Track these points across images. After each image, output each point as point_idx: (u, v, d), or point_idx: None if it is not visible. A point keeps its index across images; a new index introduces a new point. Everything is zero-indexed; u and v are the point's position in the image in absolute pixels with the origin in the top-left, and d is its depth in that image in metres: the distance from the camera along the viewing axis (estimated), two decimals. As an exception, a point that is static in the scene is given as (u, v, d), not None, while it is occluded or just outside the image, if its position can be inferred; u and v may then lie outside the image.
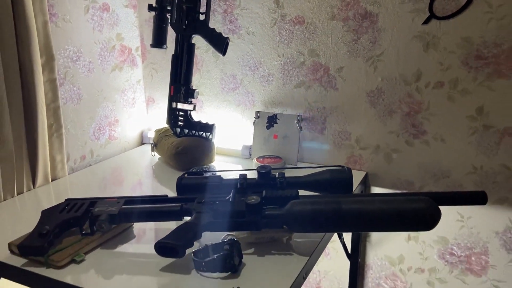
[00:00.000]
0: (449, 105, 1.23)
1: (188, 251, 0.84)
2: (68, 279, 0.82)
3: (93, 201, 0.96)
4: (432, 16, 1.19)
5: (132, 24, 1.56)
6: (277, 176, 0.97)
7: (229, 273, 0.82)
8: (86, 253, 0.90)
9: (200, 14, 1.37)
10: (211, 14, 1.44)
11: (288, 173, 0.99)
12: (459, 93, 1.21)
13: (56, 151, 1.28)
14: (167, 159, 1.41)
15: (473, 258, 1.29)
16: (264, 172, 0.97)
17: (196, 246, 0.87)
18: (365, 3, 1.26)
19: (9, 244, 0.90)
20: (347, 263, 1.45)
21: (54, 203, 1.17)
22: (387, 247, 1.41)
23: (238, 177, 0.98)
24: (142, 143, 1.68)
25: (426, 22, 1.21)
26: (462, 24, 1.17)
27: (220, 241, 0.88)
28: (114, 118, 1.53)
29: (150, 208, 0.94)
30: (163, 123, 1.64)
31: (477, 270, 1.29)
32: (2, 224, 1.05)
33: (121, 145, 1.58)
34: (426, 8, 1.19)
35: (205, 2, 1.35)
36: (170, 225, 1.01)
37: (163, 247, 0.83)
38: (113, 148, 1.55)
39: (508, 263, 1.25)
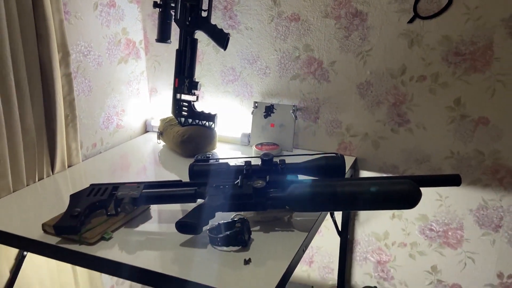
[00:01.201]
0: (430, 97, 1.36)
1: (203, 229, 0.97)
2: (100, 254, 0.94)
3: (116, 186, 1.08)
4: (416, 16, 1.32)
5: (136, 18, 1.65)
6: (278, 162, 1.10)
7: (240, 247, 0.95)
8: (112, 231, 1.02)
9: (203, 11, 1.47)
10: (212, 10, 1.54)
11: (288, 160, 1.12)
12: (440, 86, 1.35)
13: (71, 140, 1.38)
14: (173, 147, 1.53)
15: (449, 233, 1.44)
16: (267, 159, 1.09)
17: (210, 224, 1.00)
18: (355, 2, 1.37)
19: (43, 225, 1.02)
20: (337, 239, 1.59)
21: (71, 188, 1.29)
22: (373, 225, 1.55)
23: (244, 164, 1.10)
24: (146, 131, 1.79)
25: (410, 21, 1.33)
26: (443, 23, 1.29)
27: (231, 220, 1.00)
28: (121, 108, 1.63)
29: (167, 191, 1.06)
30: (165, 112, 1.75)
31: (453, 243, 1.45)
32: (29, 207, 1.16)
33: (127, 133, 1.69)
34: (411, 8, 1.31)
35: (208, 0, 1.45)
36: (183, 207, 1.14)
37: (183, 225, 0.96)
38: (120, 136, 1.65)
39: (481, 237, 1.41)
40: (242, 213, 1.06)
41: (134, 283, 1.82)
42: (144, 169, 1.45)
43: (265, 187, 1.01)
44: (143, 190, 1.06)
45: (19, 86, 1.17)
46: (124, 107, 1.65)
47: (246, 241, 0.96)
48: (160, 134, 1.59)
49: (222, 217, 1.01)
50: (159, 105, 1.78)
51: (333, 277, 1.67)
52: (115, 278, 1.71)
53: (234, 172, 1.09)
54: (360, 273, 1.63)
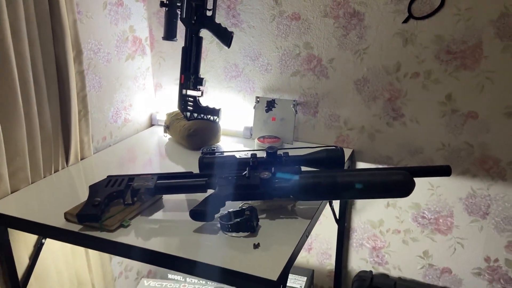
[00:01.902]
0: (423, 92, 1.45)
1: (214, 217, 1.06)
2: (120, 240, 1.02)
3: (131, 177, 1.15)
4: (410, 16, 1.40)
5: (142, 16, 1.72)
6: (282, 155, 1.18)
7: (249, 233, 1.04)
8: (130, 219, 1.10)
9: (207, 10, 1.54)
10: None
11: (290, 152, 1.20)
12: (432, 82, 1.43)
13: (84, 134, 1.45)
14: (179, 140, 1.60)
15: (440, 220, 1.54)
16: (272, 152, 1.17)
17: (220, 213, 1.08)
18: (353, 3, 1.45)
19: (65, 214, 1.09)
20: (335, 227, 1.68)
21: (84, 179, 1.37)
22: (369, 213, 1.65)
23: (250, 156, 1.18)
24: (152, 125, 1.86)
25: (405, 21, 1.41)
26: (435, 24, 1.37)
27: (239, 208, 1.09)
28: (128, 103, 1.70)
29: (180, 182, 1.14)
30: (170, 107, 1.82)
31: (444, 230, 1.55)
32: (48, 197, 1.24)
33: (134, 127, 1.76)
34: (406, 9, 1.39)
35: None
36: (192, 197, 1.21)
37: (197, 213, 1.04)
38: (128, 130, 1.72)
39: (469, 224, 1.51)
40: (249, 202, 1.14)
41: (141, 269, 1.91)
42: (152, 161, 1.52)
43: (271, 177, 1.10)
44: (157, 181, 1.13)
45: (37, 83, 1.24)
46: (131, 102, 1.72)
47: (254, 228, 1.04)
48: (167, 128, 1.67)
49: (231, 206, 1.10)
50: (164, 99, 1.85)
51: (331, 262, 1.76)
52: (123, 265, 1.80)
53: (241, 164, 1.17)
54: (356, 258, 1.73)
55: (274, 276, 0.89)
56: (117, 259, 1.76)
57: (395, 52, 1.45)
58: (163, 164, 1.51)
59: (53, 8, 1.24)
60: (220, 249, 0.99)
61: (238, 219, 1.04)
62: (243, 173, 1.13)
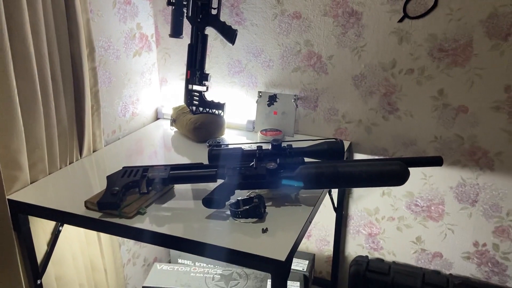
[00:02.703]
0: (417, 88, 1.54)
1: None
2: (138, 225, 1.11)
3: (146, 168, 1.23)
4: (405, 16, 1.48)
5: (148, 14, 1.78)
6: (286, 147, 1.27)
7: (257, 219, 1.13)
8: (146, 207, 1.18)
9: (212, 9, 1.61)
10: (220, 7, 1.68)
11: (293, 144, 1.28)
12: (425, 78, 1.52)
13: (96, 127, 1.52)
14: (185, 133, 1.68)
15: (432, 208, 1.64)
16: (276, 144, 1.26)
17: (229, 200, 1.17)
18: (352, 3, 1.53)
19: (85, 202, 1.17)
20: (333, 215, 1.78)
21: (97, 170, 1.45)
22: (366, 201, 1.74)
23: (256, 148, 1.27)
24: (157, 118, 1.94)
25: (400, 20, 1.49)
26: (429, 23, 1.46)
27: (247, 197, 1.17)
28: (135, 97, 1.78)
29: (191, 173, 1.22)
30: (174, 101, 1.89)
31: (435, 217, 1.65)
32: (65, 187, 1.31)
33: (141, 120, 1.83)
34: (401, 9, 1.48)
35: (217, -2, 1.59)
36: (202, 186, 1.30)
37: (209, 201, 1.13)
38: (135, 123, 1.80)
39: (459, 211, 1.61)
40: (256, 190, 1.23)
41: (147, 257, 2.00)
42: (160, 153, 1.60)
43: (277, 168, 1.18)
44: (170, 172, 1.22)
45: (54, 80, 1.31)
46: (138, 97, 1.79)
47: (262, 214, 1.13)
48: (173, 121, 1.74)
49: (239, 194, 1.18)
50: (169, 94, 1.93)
51: (329, 248, 1.86)
52: (131, 252, 1.88)
53: (248, 156, 1.26)
54: (353, 244, 1.83)
55: (282, 257, 0.98)
56: (125, 246, 1.85)
57: (390, 50, 1.53)
58: (171, 156, 1.59)
59: (69, 9, 1.31)
60: (231, 233, 1.07)
61: (247, 206, 1.12)
62: (251, 164, 1.22)
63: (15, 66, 1.17)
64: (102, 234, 1.57)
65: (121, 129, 1.72)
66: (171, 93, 1.92)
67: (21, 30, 1.16)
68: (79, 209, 1.17)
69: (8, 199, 1.21)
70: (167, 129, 1.81)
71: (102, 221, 1.13)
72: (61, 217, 1.20)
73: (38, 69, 1.24)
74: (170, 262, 1.76)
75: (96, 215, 1.15)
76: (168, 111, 1.90)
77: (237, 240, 1.04)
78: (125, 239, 1.84)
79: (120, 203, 1.14)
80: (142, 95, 1.82)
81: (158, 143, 1.71)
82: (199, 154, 1.55)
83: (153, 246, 2.04)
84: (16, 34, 1.15)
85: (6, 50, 1.13)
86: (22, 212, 1.24)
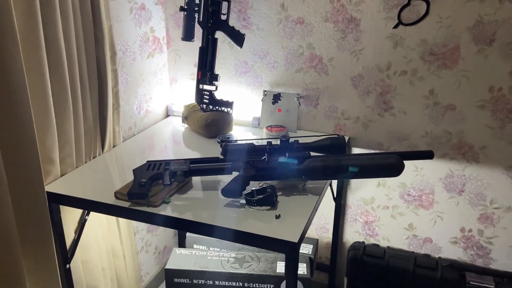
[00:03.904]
0: (410, 88, 1.69)
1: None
2: (163, 213, 1.24)
3: (168, 162, 1.37)
4: (399, 22, 1.62)
5: (160, 18, 1.91)
6: (293, 142, 1.40)
7: (270, 207, 1.27)
8: (169, 197, 1.31)
9: (222, 15, 1.73)
10: (228, 12, 1.80)
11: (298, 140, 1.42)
12: (417, 79, 1.67)
13: (115, 125, 1.65)
14: (197, 129, 1.81)
15: (423, 197, 1.80)
16: (285, 140, 1.39)
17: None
18: (351, 10, 1.67)
19: (115, 193, 1.30)
20: (332, 204, 1.92)
21: (116, 164, 1.58)
22: (362, 191, 1.89)
23: (266, 144, 1.40)
24: (168, 115, 2.06)
25: (395, 26, 1.63)
26: (421, 29, 1.60)
27: (259, 187, 1.31)
28: (149, 96, 1.90)
29: (210, 166, 1.36)
30: (184, 99, 2.02)
31: (426, 205, 1.81)
32: (92, 179, 1.44)
33: (153, 117, 1.96)
34: (396, 16, 1.62)
35: (226, 5, 1.72)
36: (216, 178, 1.43)
37: (228, 191, 1.26)
38: (149, 120, 1.93)
39: (448, 200, 1.77)
40: (268, 181, 1.37)
41: (158, 245, 2.13)
42: (173, 148, 1.73)
43: (287, 161, 1.32)
44: (190, 165, 1.35)
45: (82, 81, 1.43)
46: (151, 95, 1.92)
47: (274, 202, 1.27)
48: (185, 118, 1.87)
49: (251, 185, 1.32)
50: (178, 92, 2.06)
51: (329, 235, 2.01)
52: (144, 240, 2.02)
53: (259, 150, 1.39)
54: (350, 231, 1.98)
55: (295, 239, 1.12)
56: (139, 235, 1.98)
57: (386, 53, 1.67)
58: (184, 150, 1.72)
59: (95, 16, 1.43)
60: (248, 219, 1.21)
61: (261, 196, 1.26)
62: (263, 158, 1.36)
63: (50, 70, 1.29)
64: (121, 224, 1.71)
65: (136, 126, 1.85)
66: (181, 91, 2.05)
67: (55, 37, 1.28)
68: (107, 199, 1.31)
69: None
70: (177, 125, 1.94)
71: (132, 210, 1.26)
72: (94, 206, 1.33)
73: (69, 72, 1.36)
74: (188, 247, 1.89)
75: (125, 204, 1.28)
76: (178, 108, 2.03)
77: (254, 225, 1.18)
78: (139, 228, 1.97)
79: (148, 193, 1.27)
80: (154, 94, 1.94)
81: (171, 138, 1.84)
82: (210, 149, 1.68)
83: (164, 235, 2.18)
84: (51, 41, 1.28)
85: (43, 56, 1.25)
86: (55, 202, 1.37)
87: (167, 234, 2.22)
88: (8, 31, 1.07)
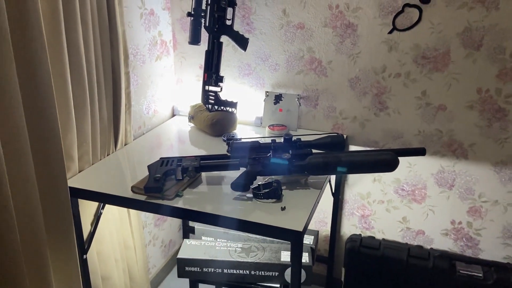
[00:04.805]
0: (404, 89, 1.80)
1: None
2: (177, 205, 1.34)
3: (180, 159, 1.47)
4: (394, 28, 1.73)
5: (167, 22, 2.00)
6: (296, 140, 1.51)
7: (276, 200, 1.37)
8: (182, 190, 1.42)
9: (227, 20, 1.84)
10: (232, 17, 1.91)
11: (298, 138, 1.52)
12: (411, 81, 1.78)
13: (127, 124, 1.75)
14: (203, 128, 1.91)
15: (416, 192, 1.91)
16: (288, 138, 1.50)
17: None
18: (348, 16, 1.78)
19: (132, 187, 1.40)
20: (330, 199, 2.03)
21: (129, 161, 1.68)
22: (359, 187, 2.01)
23: (270, 141, 1.51)
24: (173, 115, 2.16)
25: (390, 32, 1.75)
26: (414, 35, 1.72)
27: (265, 182, 1.41)
28: (157, 97, 2.00)
29: (219, 162, 1.46)
30: (189, 99, 2.12)
31: (418, 199, 1.92)
32: (108, 175, 1.54)
33: (161, 117, 2.06)
34: (391, 22, 1.73)
35: (231, 11, 1.82)
36: (223, 174, 1.53)
37: (237, 185, 1.37)
38: (156, 120, 2.03)
39: (439, 194, 1.88)
40: (273, 176, 1.47)
41: (164, 239, 2.23)
42: (180, 146, 1.83)
43: (290, 158, 1.43)
44: (201, 161, 1.45)
45: (99, 83, 1.53)
46: (158, 96, 2.02)
47: (280, 195, 1.38)
48: (191, 118, 1.97)
49: (257, 180, 1.43)
50: (184, 93, 2.16)
51: (327, 229, 2.13)
52: (152, 234, 2.12)
53: (264, 148, 1.50)
54: (347, 225, 2.09)
55: (300, 228, 1.23)
56: (147, 229, 2.08)
57: (381, 57, 1.79)
58: (190, 148, 1.82)
59: (111, 22, 1.53)
60: (255, 211, 1.32)
61: (268, 189, 1.37)
62: (268, 155, 1.46)
63: (71, 73, 1.39)
64: (132, 217, 1.81)
65: (145, 125, 1.95)
66: (186, 92, 2.15)
67: (76, 42, 1.38)
68: (124, 193, 1.40)
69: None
70: (183, 124, 2.04)
71: (148, 202, 1.36)
72: (113, 200, 1.43)
73: (88, 75, 1.46)
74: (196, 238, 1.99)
75: (142, 197, 1.38)
76: (183, 108, 2.13)
77: (262, 216, 1.29)
78: (147, 223, 2.07)
79: (162, 187, 1.37)
80: (161, 94, 2.04)
81: (178, 137, 1.94)
82: (215, 146, 1.78)
83: (169, 229, 2.28)
84: (72, 45, 1.37)
85: (65, 60, 1.35)
86: (74, 196, 1.47)
87: (173, 228, 2.32)
88: (37, 37, 1.17)
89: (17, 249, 1.16)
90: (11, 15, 1.09)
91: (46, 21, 1.26)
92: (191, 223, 2.40)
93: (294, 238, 1.24)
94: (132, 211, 1.80)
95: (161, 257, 2.23)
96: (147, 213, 2.06)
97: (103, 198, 1.44)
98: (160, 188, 1.36)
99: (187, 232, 2.37)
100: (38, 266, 1.27)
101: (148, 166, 1.45)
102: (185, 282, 1.69)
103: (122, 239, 1.76)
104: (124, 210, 1.75)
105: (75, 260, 1.46)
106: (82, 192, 1.45)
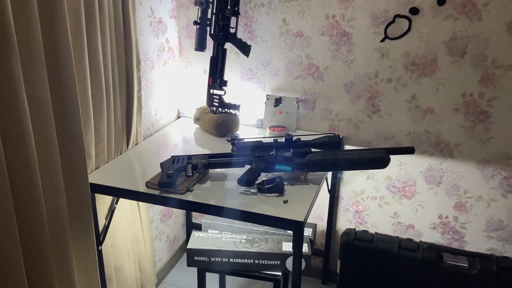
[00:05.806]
0: (395, 93, 1.94)
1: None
2: (188, 199, 1.47)
3: (189, 157, 1.60)
4: (386, 37, 1.88)
5: (174, 30, 2.13)
6: (296, 139, 1.64)
7: (278, 194, 1.50)
8: (192, 186, 1.54)
9: (231, 28, 1.97)
10: (235, 26, 2.04)
11: (298, 138, 1.66)
12: (401, 86, 1.92)
13: (138, 125, 1.87)
14: (208, 129, 2.04)
15: (406, 188, 2.06)
16: (289, 138, 1.63)
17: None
18: (344, 26, 1.92)
19: (146, 183, 1.53)
20: (327, 196, 2.17)
21: (140, 159, 1.81)
22: (353, 184, 2.15)
23: (272, 141, 1.64)
24: (179, 117, 2.29)
25: (382, 40, 1.89)
26: (404, 43, 1.86)
27: (268, 178, 1.54)
28: (164, 99, 2.13)
29: (226, 160, 1.59)
30: (193, 103, 2.24)
31: (409, 195, 2.06)
32: (122, 171, 1.66)
33: (167, 119, 2.19)
34: (383, 32, 1.87)
35: (235, 19, 1.95)
36: (229, 171, 1.66)
37: (244, 180, 1.50)
38: (163, 121, 2.15)
39: (428, 190, 2.03)
40: (275, 173, 1.60)
41: (169, 234, 2.35)
42: (187, 146, 1.96)
43: (291, 156, 1.56)
44: (209, 159, 1.58)
45: (114, 87, 1.65)
46: (165, 99, 2.14)
47: (282, 190, 1.51)
48: (197, 120, 2.10)
49: (261, 176, 1.56)
50: (188, 96, 2.28)
51: (323, 224, 2.26)
52: (158, 229, 2.24)
53: (266, 147, 1.63)
54: (343, 220, 2.23)
55: (301, 218, 1.36)
56: (154, 224, 2.20)
57: (374, 63, 1.93)
58: (196, 147, 1.94)
59: (126, 31, 1.65)
60: (260, 204, 1.45)
61: (271, 185, 1.50)
62: (271, 153, 1.59)
63: (91, 78, 1.51)
64: (142, 213, 1.93)
65: (153, 126, 2.07)
66: (190, 95, 2.28)
67: (96, 49, 1.50)
68: (138, 188, 1.53)
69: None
70: (188, 126, 2.16)
71: (162, 197, 1.49)
72: (129, 195, 1.55)
73: (105, 79, 1.58)
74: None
75: (156, 192, 1.51)
76: (188, 110, 2.25)
77: (266, 208, 1.42)
78: (154, 218, 2.19)
79: (175, 183, 1.50)
80: (168, 97, 2.17)
81: (184, 137, 2.06)
82: (219, 146, 1.91)
83: (174, 226, 2.41)
84: (92, 52, 1.50)
85: (86, 65, 1.47)
86: (93, 191, 1.58)
87: (177, 225, 2.44)
88: (65, 43, 1.29)
89: (45, 239, 1.28)
90: (43, 23, 1.21)
91: (71, 29, 1.38)
92: (195, 220, 2.53)
93: (296, 227, 1.37)
94: (142, 207, 1.92)
95: (166, 251, 2.35)
96: (154, 210, 2.18)
97: (120, 193, 1.57)
98: (172, 183, 1.49)
99: (190, 228, 2.50)
100: (62, 256, 1.39)
101: (161, 164, 1.58)
102: (190, 275, 1.81)
103: (133, 233, 1.89)
104: (135, 205, 1.88)
105: (94, 251, 1.58)
106: (100, 187, 1.57)
